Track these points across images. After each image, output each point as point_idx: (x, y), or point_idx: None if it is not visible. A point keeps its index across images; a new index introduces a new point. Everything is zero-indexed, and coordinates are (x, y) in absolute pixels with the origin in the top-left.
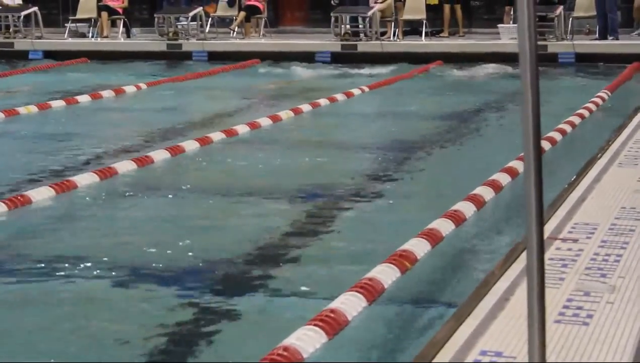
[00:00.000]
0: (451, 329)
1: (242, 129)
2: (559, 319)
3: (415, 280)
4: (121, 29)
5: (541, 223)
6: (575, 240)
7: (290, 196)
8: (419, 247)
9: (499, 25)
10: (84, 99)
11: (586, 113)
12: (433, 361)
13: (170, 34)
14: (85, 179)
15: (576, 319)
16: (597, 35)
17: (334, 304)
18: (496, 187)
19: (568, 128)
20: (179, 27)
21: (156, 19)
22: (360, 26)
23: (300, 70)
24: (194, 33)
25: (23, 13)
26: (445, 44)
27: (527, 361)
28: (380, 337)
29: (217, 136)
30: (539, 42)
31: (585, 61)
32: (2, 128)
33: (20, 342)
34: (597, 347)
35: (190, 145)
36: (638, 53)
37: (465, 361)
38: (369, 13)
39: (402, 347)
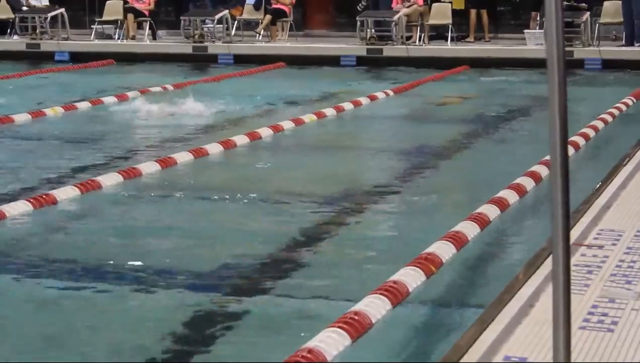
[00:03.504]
0: (475, 334)
1: (265, 132)
2: (583, 325)
3: (440, 283)
4: (147, 31)
5: (567, 229)
6: (600, 247)
7: (314, 199)
8: (444, 250)
9: (525, 30)
10: (109, 100)
11: (609, 118)
12: None
13: (196, 37)
14: (109, 179)
15: (601, 326)
16: (623, 41)
17: (358, 306)
18: (520, 190)
19: (591, 133)
20: (205, 29)
21: (182, 22)
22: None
23: (325, 74)
24: (219, 36)
25: (50, 14)
26: (471, 49)
27: None
28: (404, 340)
29: (240, 139)
30: (566, 48)
31: (611, 67)
32: (28, 128)
33: (38, 340)
34: (622, 353)
35: (213, 148)
36: None
37: None
38: (395, 17)
39: (425, 350)
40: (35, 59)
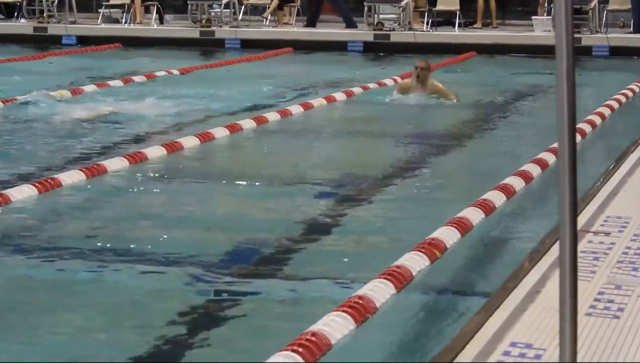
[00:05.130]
0: (481, 320)
1: (273, 117)
2: (589, 312)
3: (445, 269)
4: (154, 15)
5: (574, 216)
6: (607, 234)
7: (321, 183)
8: (448, 235)
9: (533, 17)
10: (116, 84)
11: (617, 105)
12: (462, 351)
13: (203, 21)
14: (115, 164)
15: (607, 312)
16: (631, 28)
17: (362, 291)
18: (526, 177)
19: (598, 119)
20: (212, 14)
21: (189, 6)
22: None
23: (332, 59)
24: (226, 20)
25: None
26: (479, 35)
27: (557, 354)
28: (408, 324)
29: (247, 123)
30: (574, 35)
31: (619, 55)
32: (34, 112)
33: (42, 323)
34: (627, 340)
35: (219, 132)
36: None
37: (495, 352)
38: (403, 3)
39: (430, 335)
40: (43, 42)
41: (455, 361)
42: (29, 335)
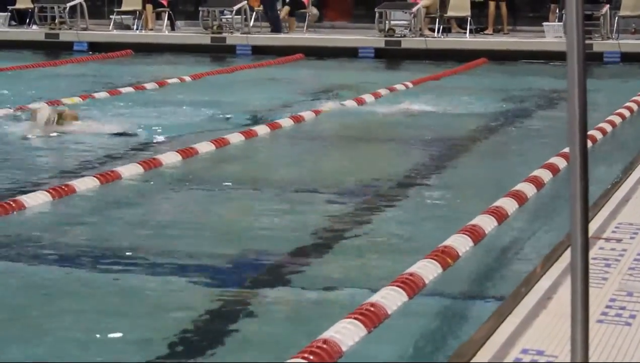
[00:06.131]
0: (493, 327)
1: (285, 123)
2: (601, 319)
3: (458, 276)
4: (166, 21)
5: (586, 223)
6: (619, 240)
7: (333, 190)
8: (460, 243)
9: (544, 23)
10: (127, 90)
11: (627, 113)
12: (474, 358)
13: (215, 28)
14: (129, 170)
15: (619, 319)
16: None
17: (374, 298)
18: (538, 183)
19: (609, 126)
20: (223, 20)
21: (201, 12)
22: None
23: (343, 66)
24: (238, 27)
25: (69, 4)
26: (490, 41)
27: (569, 360)
28: (420, 332)
29: (261, 129)
30: (585, 41)
31: (631, 61)
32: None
33: (55, 329)
34: None
35: (234, 138)
36: None
37: (507, 359)
38: (414, 9)
39: (441, 343)
40: (54, 49)
41: None
42: (42, 337)
